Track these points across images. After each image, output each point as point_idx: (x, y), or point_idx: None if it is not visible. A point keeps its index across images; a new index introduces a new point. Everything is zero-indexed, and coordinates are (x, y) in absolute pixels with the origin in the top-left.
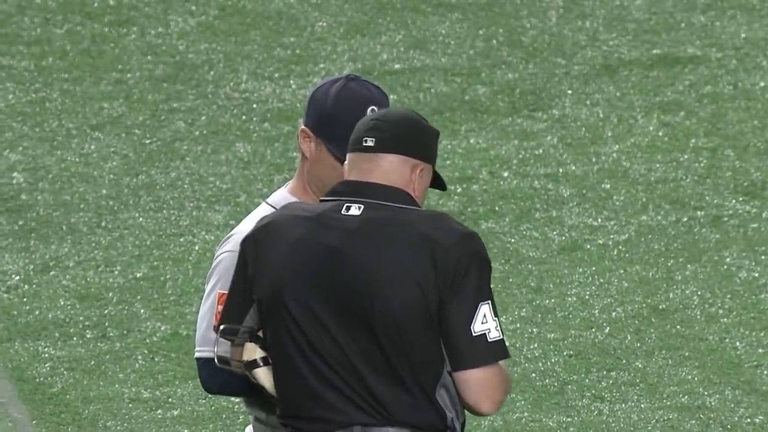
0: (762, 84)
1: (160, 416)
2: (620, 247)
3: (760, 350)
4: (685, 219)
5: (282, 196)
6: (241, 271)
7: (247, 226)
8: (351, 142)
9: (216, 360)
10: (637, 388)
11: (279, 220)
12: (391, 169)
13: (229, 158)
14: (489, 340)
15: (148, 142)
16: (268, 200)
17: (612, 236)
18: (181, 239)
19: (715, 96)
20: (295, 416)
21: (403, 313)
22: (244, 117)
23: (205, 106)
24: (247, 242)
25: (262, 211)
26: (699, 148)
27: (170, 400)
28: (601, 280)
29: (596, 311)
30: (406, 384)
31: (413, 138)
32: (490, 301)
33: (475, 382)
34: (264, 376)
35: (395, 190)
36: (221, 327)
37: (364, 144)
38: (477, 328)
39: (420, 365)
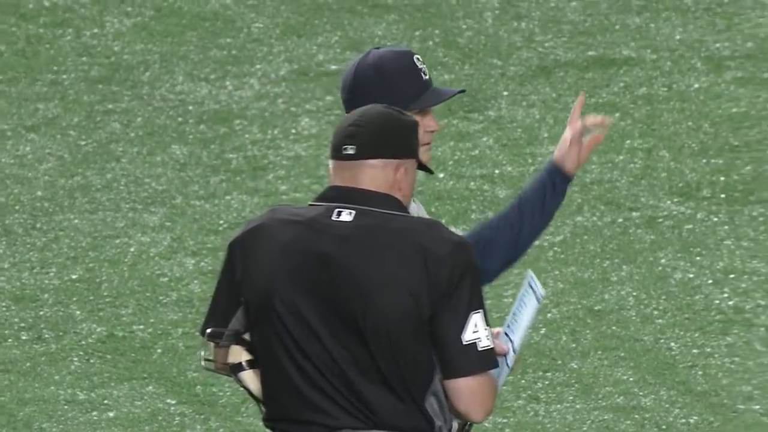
0: (696, 86)
1: (95, 418)
2: (555, 249)
3: (694, 351)
4: (621, 220)
5: None
6: (227, 274)
7: None
8: (331, 148)
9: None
10: (573, 388)
11: (268, 223)
12: (374, 174)
13: (164, 160)
14: (479, 350)
15: (83, 143)
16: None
17: (547, 237)
18: (117, 241)
19: (650, 97)
20: (283, 419)
21: (395, 322)
22: (180, 118)
23: (140, 107)
24: (236, 246)
25: None
26: (634, 149)
27: (106, 401)
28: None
29: None
30: (394, 390)
31: (392, 138)
32: (482, 311)
33: (466, 390)
34: (249, 379)
35: (384, 196)
36: (207, 330)
37: (344, 152)
38: (467, 337)
39: (410, 373)
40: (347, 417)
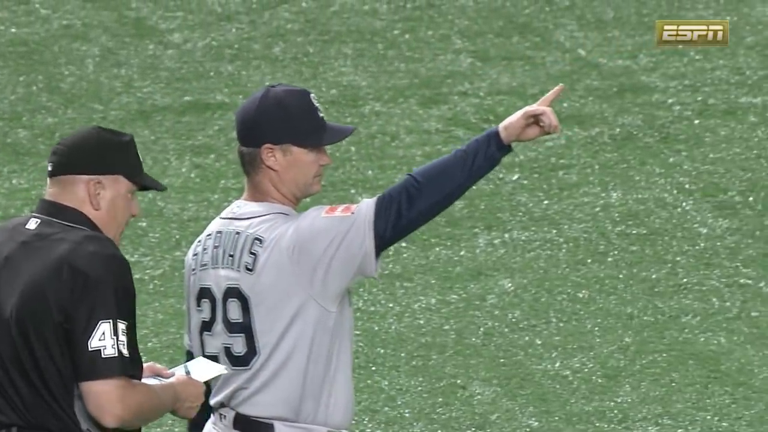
0: None
1: None
2: (156, 282)
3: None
4: None
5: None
6: None
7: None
8: None
9: None
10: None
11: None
12: (66, 189)
13: None
14: (103, 356)
15: None
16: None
17: (148, 271)
18: None
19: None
20: None
21: (33, 326)
22: None
23: None
24: None
25: (215, 223)
26: (228, 188)
27: None
28: (138, 313)
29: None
30: (41, 392)
31: (87, 155)
32: (111, 321)
33: (93, 394)
34: None
35: (65, 208)
36: None
37: (48, 169)
38: (94, 344)
39: (51, 375)
40: (13, 415)
